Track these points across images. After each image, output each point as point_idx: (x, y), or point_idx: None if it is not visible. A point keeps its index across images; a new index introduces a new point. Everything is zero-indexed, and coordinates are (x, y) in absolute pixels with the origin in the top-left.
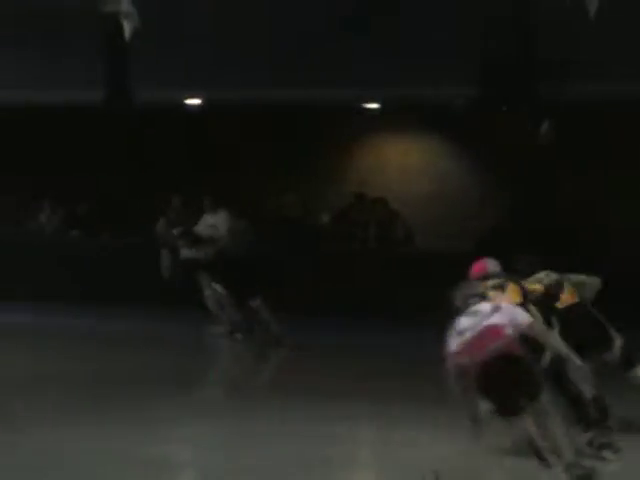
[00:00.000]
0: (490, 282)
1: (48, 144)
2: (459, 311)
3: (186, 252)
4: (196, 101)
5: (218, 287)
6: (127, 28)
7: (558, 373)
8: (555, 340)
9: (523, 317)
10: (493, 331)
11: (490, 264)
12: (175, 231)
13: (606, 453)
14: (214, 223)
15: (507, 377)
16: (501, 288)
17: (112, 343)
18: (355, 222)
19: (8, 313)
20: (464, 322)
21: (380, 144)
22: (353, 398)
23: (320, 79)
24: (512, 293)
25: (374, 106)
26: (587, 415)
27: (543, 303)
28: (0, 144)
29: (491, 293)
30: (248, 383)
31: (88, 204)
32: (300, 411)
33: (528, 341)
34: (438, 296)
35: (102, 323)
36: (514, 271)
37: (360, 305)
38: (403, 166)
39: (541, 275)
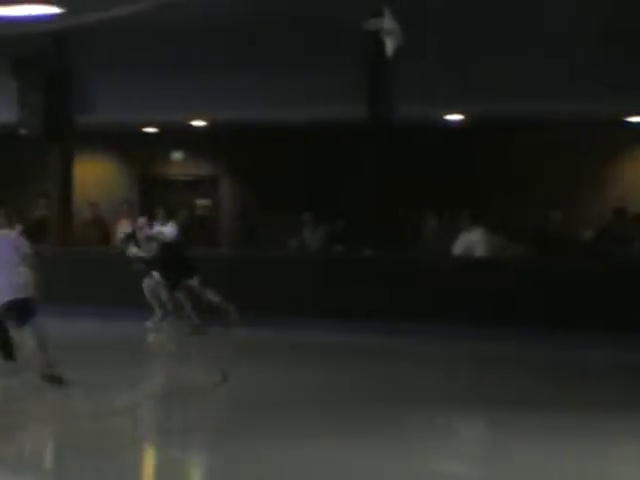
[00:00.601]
0: None
1: (309, 161)
2: None
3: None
4: (457, 117)
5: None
6: (389, 45)
7: None
8: None
9: None
10: None
11: None
12: (121, 235)
13: None
14: (471, 240)
15: None
16: None
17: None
18: (617, 238)
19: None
20: None
21: None
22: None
23: (581, 93)
24: None
25: (638, 119)
26: None
27: None
28: (262, 163)
29: None
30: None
31: (348, 220)
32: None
33: None
34: None
35: (357, 337)
36: None
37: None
38: None
39: None
